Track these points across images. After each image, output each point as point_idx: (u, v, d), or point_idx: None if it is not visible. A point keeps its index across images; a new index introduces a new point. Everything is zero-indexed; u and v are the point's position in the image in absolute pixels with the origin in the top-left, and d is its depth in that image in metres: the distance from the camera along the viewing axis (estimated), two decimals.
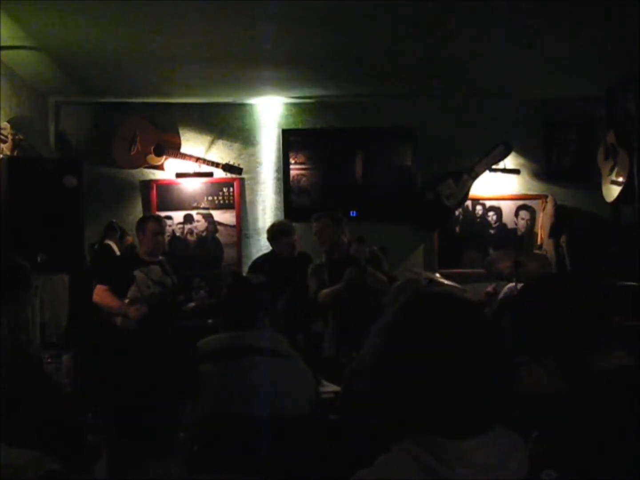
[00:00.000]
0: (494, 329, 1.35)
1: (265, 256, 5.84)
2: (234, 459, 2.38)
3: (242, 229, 6.82)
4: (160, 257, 5.38)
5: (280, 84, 6.25)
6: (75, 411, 2.67)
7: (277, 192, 6.89)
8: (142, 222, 5.38)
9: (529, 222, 6.92)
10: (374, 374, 1.36)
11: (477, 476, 1.25)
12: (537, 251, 6.65)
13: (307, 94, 6.57)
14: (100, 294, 5.13)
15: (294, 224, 5.76)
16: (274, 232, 5.68)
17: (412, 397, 1.30)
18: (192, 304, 5.32)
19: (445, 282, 5.45)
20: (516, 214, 6.93)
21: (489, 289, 5.80)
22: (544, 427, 1.66)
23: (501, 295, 5.72)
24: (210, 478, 1.50)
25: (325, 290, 4.92)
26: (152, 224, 5.31)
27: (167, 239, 6.59)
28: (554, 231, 6.69)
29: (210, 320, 5.12)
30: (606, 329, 1.75)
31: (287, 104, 6.80)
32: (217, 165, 6.62)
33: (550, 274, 5.13)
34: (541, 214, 6.86)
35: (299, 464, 2.49)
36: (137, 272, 5.15)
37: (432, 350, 1.29)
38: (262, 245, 6.63)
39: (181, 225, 6.75)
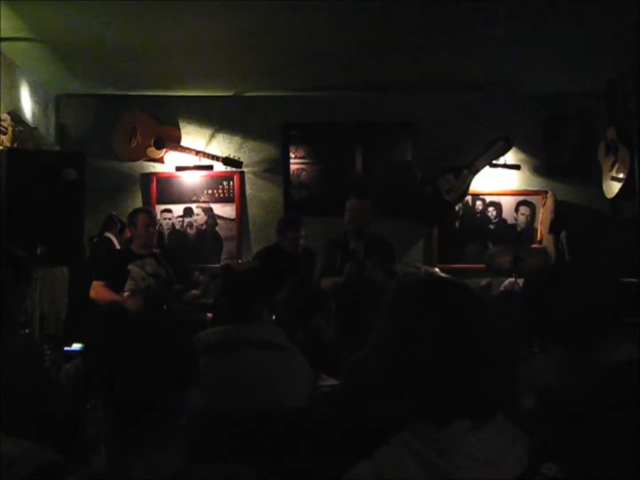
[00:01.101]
0: (495, 320, 1.35)
1: (269, 248, 5.84)
2: (232, 451, 2.38)
3: (241, 223, 6.82)
4: (155, 250, 5.41)
5: (280, 78, 6.24)
6: (74, 403, 2.67)
7: (277, 186, 6.88)
8: (132, 216, 5.43)
9: (528, 217, 6.92)
10: (377, 364, 1.36)
11: (476, 469, 1.25)
12: (536, 245, 6.65)
13: (309, 88, 6.56)
14: (97, 289, 5.17)
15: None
16: (281, 225, 5.69)
17: (411, 388, 1.30)
18: (196, 291, 5.35)
19: (444, 275, 5.45)
20: (516, 210, 6.94)
21: (484, 283, 5.81)
22: (544, 420, 1.66)
23: (501, 288, 5.73)
24: (208, 469, 1.50)
25: (327, 280, 4.92)
26: (142, 216, 5.35)
27: (166, 232, 6.63)
28: (554, 227, 6.70)
29: (209, 314, 5.15)
30: (615, 321, 1.75)
31: (287, 97, 6.78)
32: (217, 158, 6.61)
33: (561, 263, 5.12)
34: (541, 210, 6.86)
35: (297, 456, 2.49)
36: (131, 266, 5.20)
37: (431, 340, 1.29)
38: (261, 239, 6.63)
39: (181, 219, 6.75)
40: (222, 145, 6.80)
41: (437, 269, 5.75)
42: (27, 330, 3.86)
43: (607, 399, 1.58)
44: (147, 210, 5.63)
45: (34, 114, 5.97)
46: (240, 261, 6.05)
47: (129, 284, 5.17)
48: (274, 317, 3.66)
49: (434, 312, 1.31)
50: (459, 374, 1.27)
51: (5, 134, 4.99)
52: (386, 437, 1.35)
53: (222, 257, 6.74)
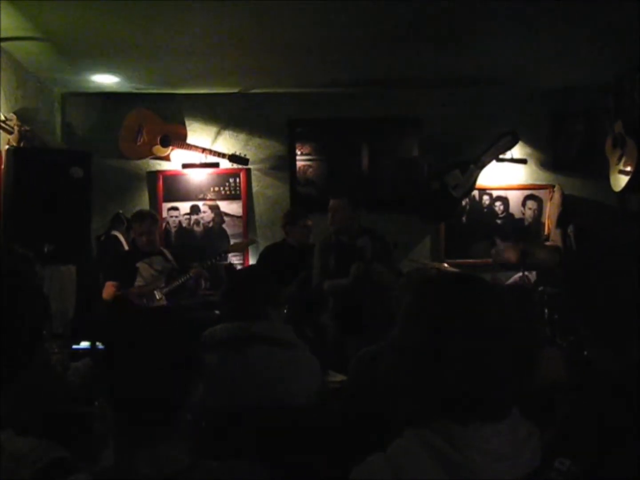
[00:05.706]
0: (512, 314, 1.34)
1: (275, 245, 5.84)
2: (240, 447, 2.38)
3: (248, 220, 6.82)
4: (163, 249, 5.47)
5: (286, 75, 6.23)
6: (82, 401, 2.67)
7: (283, 183, 6.88)
8: (132, 219, 5.52)
9: (536, 211, 6.90)
10: (397, 361, 1.36)
11: (490, 463, 1.25)
12: (549, 243, 6.61)
13: (314, 85, 6.55)
14: (110, 290, 5.22)
15: None
16: (285, 220, 5.69)
17: (428, 382, 1.29)
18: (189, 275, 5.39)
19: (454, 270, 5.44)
20: (523, 204, 6.91)
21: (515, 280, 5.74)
22: (558, 415, 1.65)
23: (511, 281, 5.71)
24: (216, 464, 1.50)
25: (332, 282, 4.92)
26: (139, 219, 5.41)
27: (173, 229, 6.64)
28: (561, 221, 6.67)
29: (217, 312, 5.15)
30: None
31: (293, 94, 6.77)
32: (223, 155, 6.61)
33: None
34: (548, 204, 6.85)
35: (305, 452, 2.49)
36: (140, 264, 5.25)
37: (447, 334, 1.28)
38: (268, 236, 6.63)
39: (187, 216, 6.75)
40: (228, 143, 6.80)
41: (445, 265, 5.74)
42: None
43: (621, 395, 1.57)
44: (143, 213, 5.61)
45: (40, 113, 5.98)
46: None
47: (138, 282, 5.22)
48: (285, 311, 3.65)
49: (460, 309, 1.31)
50: (482, 371, 1.27)
51: (11, 133, 5.00)
52: (396, 432, 1.35)
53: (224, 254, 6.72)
